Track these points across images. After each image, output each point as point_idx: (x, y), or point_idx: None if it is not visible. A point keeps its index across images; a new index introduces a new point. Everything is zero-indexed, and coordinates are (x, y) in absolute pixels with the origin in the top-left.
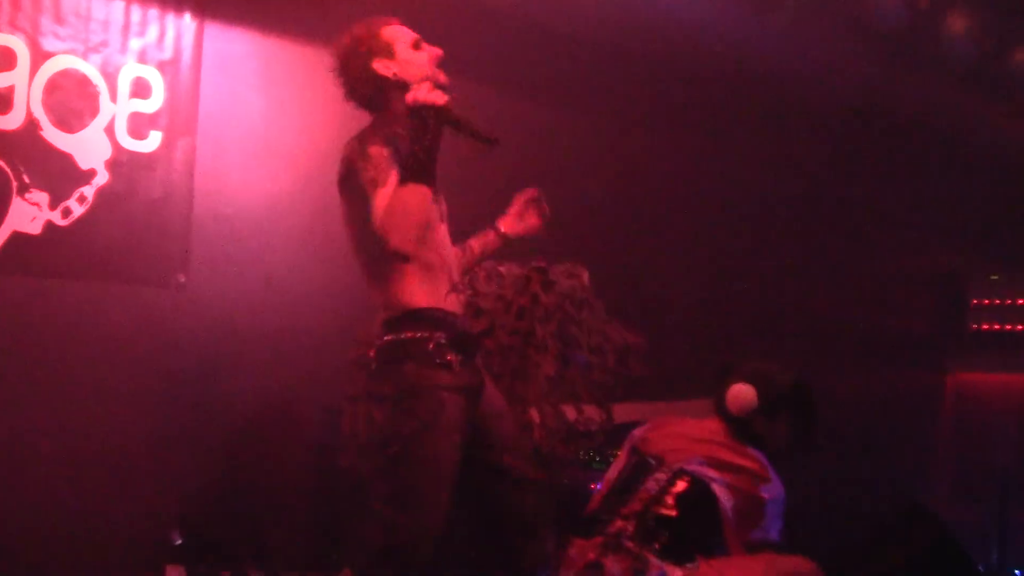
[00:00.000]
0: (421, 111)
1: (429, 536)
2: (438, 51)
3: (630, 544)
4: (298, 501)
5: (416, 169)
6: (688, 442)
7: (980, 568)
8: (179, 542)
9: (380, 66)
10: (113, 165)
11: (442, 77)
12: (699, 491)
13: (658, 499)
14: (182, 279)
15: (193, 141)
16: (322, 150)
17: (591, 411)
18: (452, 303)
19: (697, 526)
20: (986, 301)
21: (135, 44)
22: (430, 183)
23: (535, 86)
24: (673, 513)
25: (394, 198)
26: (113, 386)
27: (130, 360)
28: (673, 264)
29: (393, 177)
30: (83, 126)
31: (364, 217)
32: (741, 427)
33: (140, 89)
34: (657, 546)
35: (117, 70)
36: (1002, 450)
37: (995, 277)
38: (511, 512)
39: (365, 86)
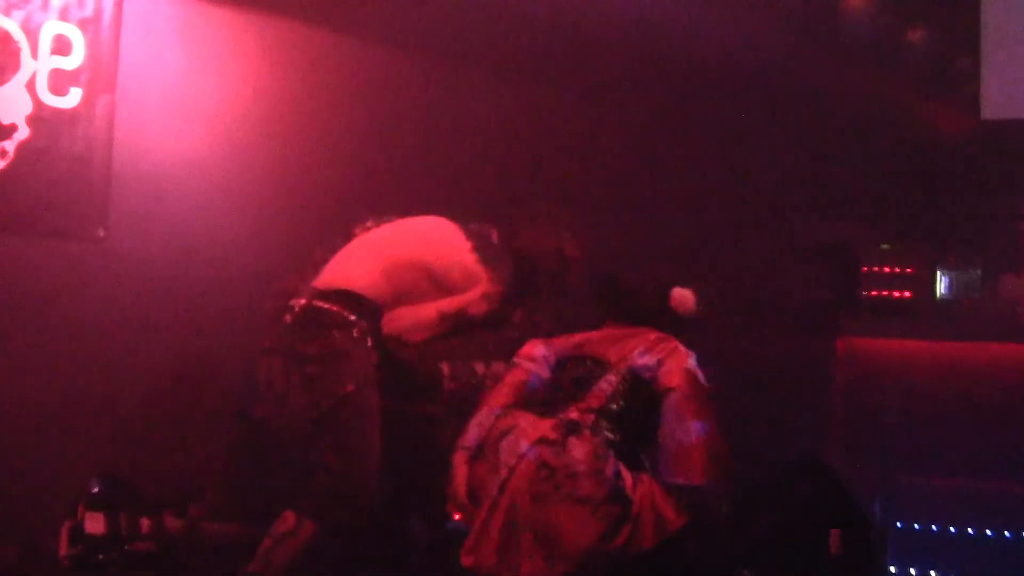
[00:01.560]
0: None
1: (371, 479)
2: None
3: (588, 433)
4: (215, 450)
5: None
6: (623, 337)
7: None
8: (96, 490)
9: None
10: (34, 121)
11: None
12: (642, 385)
13: (613, 399)
14: (101, 233)
15: (113, 98)
16: (239, 109)
17: (499, 366)
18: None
19: (643, 416)
20: (876, 269)
21: (56, 2)
22: None
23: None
24: (619, 406)
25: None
26: (32, 338)
27: (50, 312)
28: (578, 230)
29: None
30: (4, 81)
31: (444, 285)
32: (669, 326)
33: (61, 46)
34: (609, 443)
35: (38, 27)
36: (888, 411)
37: (886, 247)
38: (424, 450)
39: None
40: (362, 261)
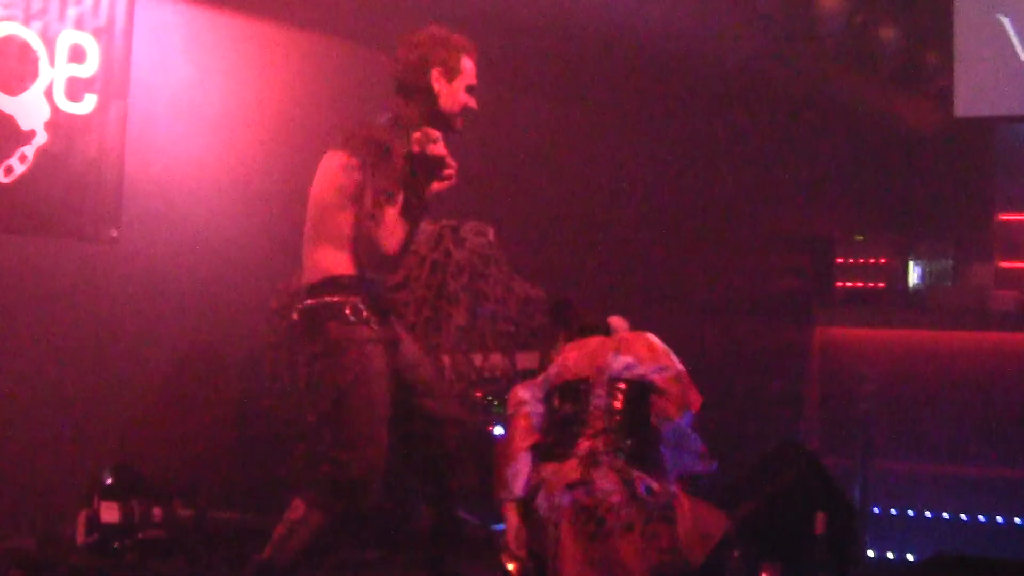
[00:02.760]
0: (425, 161)
1: (375, 470)
2: (474, 104)
3: (606, 459)
4: (224, 442)
5: (412, 209)
6: (591, 353)
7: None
8: (110, 481)
9: (435, 78)
10: (52, 126)
11: (459, 122)
12: (634, 387)
13: (610, 411)
14: (115, 234)
15: (125, 104)
16: (245, 113)
17: (496, 358)
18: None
19: (643, 411)
20: (851, 260)
21: (72, 12)
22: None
23: None
24: (617, 416)
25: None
26: (49, 335)
27: (66, 308)
28: (567, 225)
29: (400, 198)
30: (24, 89)
31: (347, 199)
32: None
33: (76, 54)
34: (624, 454)
35: (55, 36)
36: (863, 399)
37: (860, 238)
38: (436, 449)
39: (411, 76)
40: (317, 245)
